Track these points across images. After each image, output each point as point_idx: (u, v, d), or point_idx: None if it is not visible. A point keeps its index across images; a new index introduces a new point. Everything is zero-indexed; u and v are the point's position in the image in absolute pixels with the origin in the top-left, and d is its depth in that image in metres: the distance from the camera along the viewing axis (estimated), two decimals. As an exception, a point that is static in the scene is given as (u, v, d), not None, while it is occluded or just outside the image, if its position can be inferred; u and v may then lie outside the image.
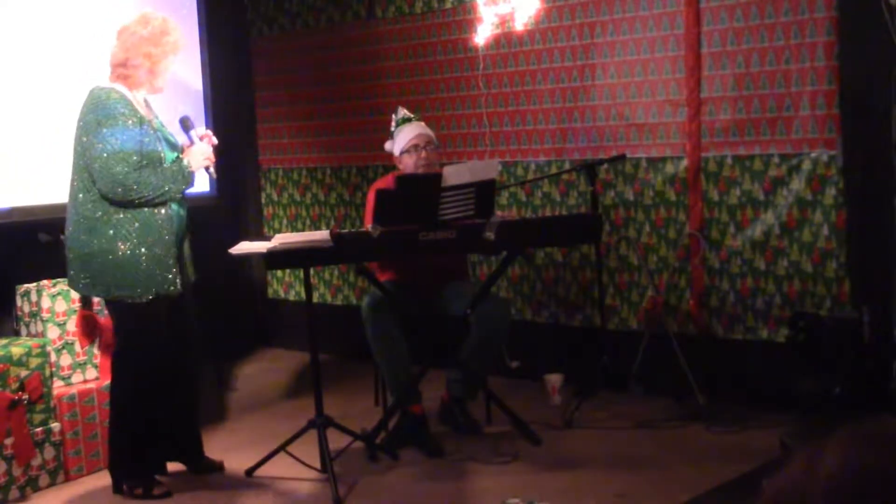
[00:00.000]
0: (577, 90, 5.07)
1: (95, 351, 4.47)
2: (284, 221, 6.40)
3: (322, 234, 4.05)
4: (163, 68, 3.95)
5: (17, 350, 4.12)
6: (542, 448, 4.33)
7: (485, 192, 4.12)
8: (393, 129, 4.60)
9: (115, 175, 3.78)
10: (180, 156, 3.96)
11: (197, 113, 5.31)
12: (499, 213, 4.42)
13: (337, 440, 4.14)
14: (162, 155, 3.90)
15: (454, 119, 5.53)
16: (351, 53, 5.95)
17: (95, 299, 4.35)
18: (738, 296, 4.67)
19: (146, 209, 3.85)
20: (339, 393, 5.15)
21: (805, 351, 4.19)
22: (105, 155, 3.79)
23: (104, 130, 3.79)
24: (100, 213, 3.84)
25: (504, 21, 5.00)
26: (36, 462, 4.14)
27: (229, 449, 4.51)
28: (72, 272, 3.94)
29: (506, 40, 5.24)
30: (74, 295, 4.36)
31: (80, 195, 3.88)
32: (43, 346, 4.22)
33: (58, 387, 4.30)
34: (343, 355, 5.88)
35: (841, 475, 0.92)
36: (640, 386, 4.77)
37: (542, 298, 5.34)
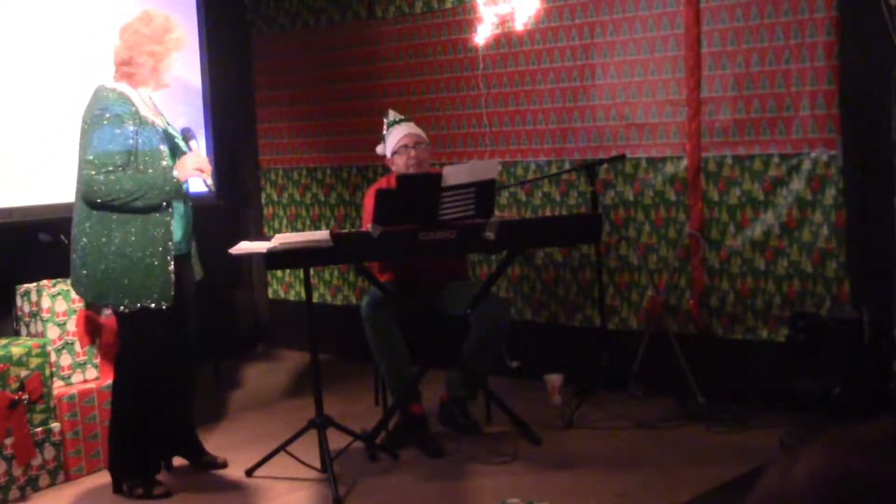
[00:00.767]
0: (577, 90, 5.07)
1: (95, 351, 4.47)
2: (284, 221, 6.39)
3: (322, 234, 4.06)
4: (166, 65, 3.96)
5: (17, 350, 4.12)
6: (542, 448, 4.33)
7: (485, 192, 4.12)
8: (384, 132, 4.63)
9: (84, 178, 3.79)
10: (172, 165, 3.94)
11: (197, 113, 5.31)
12: (499, 213, 4.43)
13: (337, 440, 4.14)
14: (163, 153, 3.88)
15: (454, 119, 5.53)
16: (351, 53, 5.94)
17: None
18: (738, 296, 4.67)
19: (141, 216, 3.82)
20: (339, 393, 5.15)
21: (805, 351, 4.19)
22: (85, 157, 3.79)
23: (92, 132, 3.79)
24: (96, 216, 3.83)
25: (504, 21, 5.00)
26: (36, 462, 4.14)
27: (229, 449, 4.51)
28: (73, 274, 3.94)
29: (506, 40, 5.24)
30: (74, 295, 4.36)
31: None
32: (43, 346, 4.22)
33: (58, 387, 4.30)
34: (343, 355, 5.88)
35: (817, 481, 0.91)
36: (640, 386, 4.78)
37: (542, 298, 5.34)
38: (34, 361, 4.16)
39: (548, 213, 5.25)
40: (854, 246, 4.33)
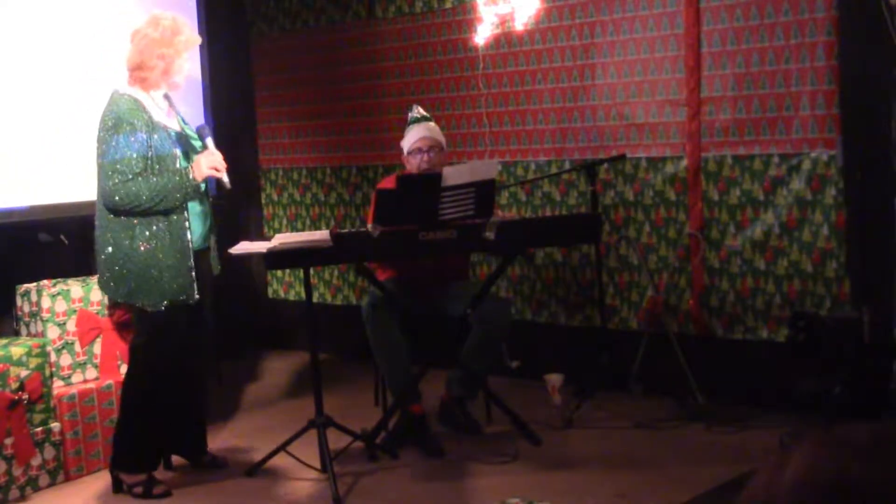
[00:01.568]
0: (577, 90, 5.07)
1: (95, 351, 4.47)
2: (284, 221, 6.40)
3: (322, 234, 4.06)
4: (178, 67, 4.00)
5: (17, 350, 4.12)
6: (542, 448, 4.33)
7: (485, 192, 4.12)
8: (407, 127, 4.61)
9: (104, 187, 3.85)
10: (189, 165, 3.96)
11: (196, 113, 5.31)
12: (499, 213, 4.43)
13: (337, 440, 4.14)
14: (177, 156, 3.91)
15: (454, 119, 5.53)
16: (351, 53, 5.94)
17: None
18: (738, 296, 4.67)
19: (163, 217, 3.87)
20: (339, 393, 5.15)
21: (805, 351, 4.19)
22: (103, 166, 3.86)
23: (107, 139, 3.85)
24: (119, 222, 3.88)
25: (504, 21, 5.00)
26: (36, 462, 4.14)
27: (229, 448, 4.52)
28: (98, 274, 4.02)
29: (506, 40, 5.24)
30: (74, 295, 4.38)
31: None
32: (43, 346, 4.22)
33: (58, 387, 4.30)
34: (343, 355, 5.89)
35: (806, 483, 0.91)
36: (640, 386, 4.77)
37: (542, 298, 5.34)
38: (34, 361, 4.16)
39: (548, 213, 5.25)
40: (854, 246, 4.33)
